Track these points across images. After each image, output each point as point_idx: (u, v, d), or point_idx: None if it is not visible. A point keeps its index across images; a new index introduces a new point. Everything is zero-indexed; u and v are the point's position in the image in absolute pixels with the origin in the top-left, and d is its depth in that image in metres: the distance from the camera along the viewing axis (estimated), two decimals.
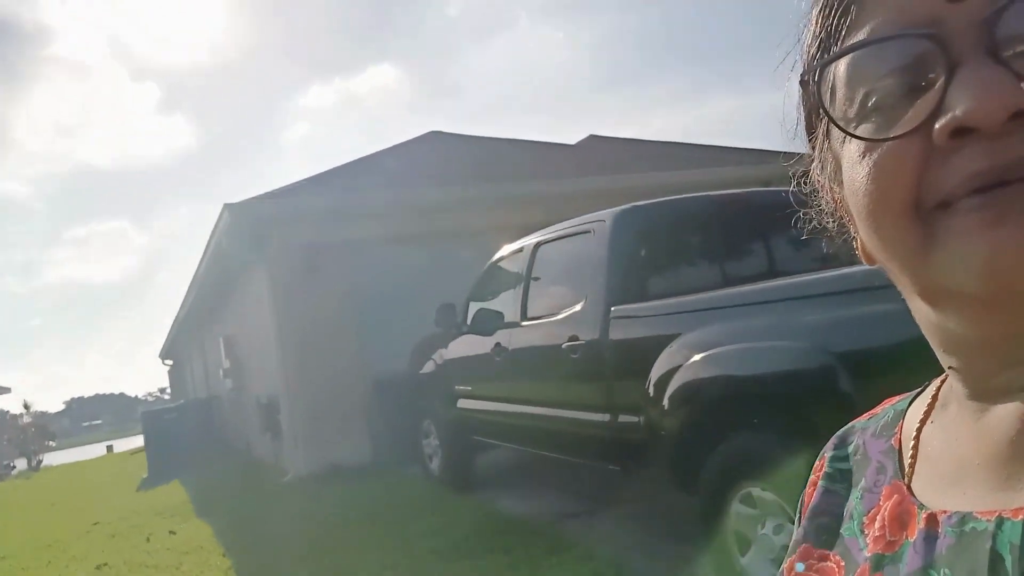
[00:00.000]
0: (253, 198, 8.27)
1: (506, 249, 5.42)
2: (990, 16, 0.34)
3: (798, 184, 0.51)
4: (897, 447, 0.48)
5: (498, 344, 4.97)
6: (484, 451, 6.09)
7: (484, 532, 4.70)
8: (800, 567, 0.48)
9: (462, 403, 5.72)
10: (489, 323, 5.22)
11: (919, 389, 0.50)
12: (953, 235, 0.35)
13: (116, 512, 9.17)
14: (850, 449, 0.52)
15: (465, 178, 9.75)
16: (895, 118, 0.37)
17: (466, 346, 5.59)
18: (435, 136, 12.65)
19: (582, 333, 3.95)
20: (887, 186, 0.38)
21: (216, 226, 8.35)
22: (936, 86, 0.35)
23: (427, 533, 4.92)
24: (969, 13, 0.35)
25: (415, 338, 7.57)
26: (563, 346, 4.08)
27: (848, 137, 0.40)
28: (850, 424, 0.54)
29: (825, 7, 0.42)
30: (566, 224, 4.55)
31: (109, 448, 31.24)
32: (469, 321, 5.69)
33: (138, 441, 35.96)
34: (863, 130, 0.39)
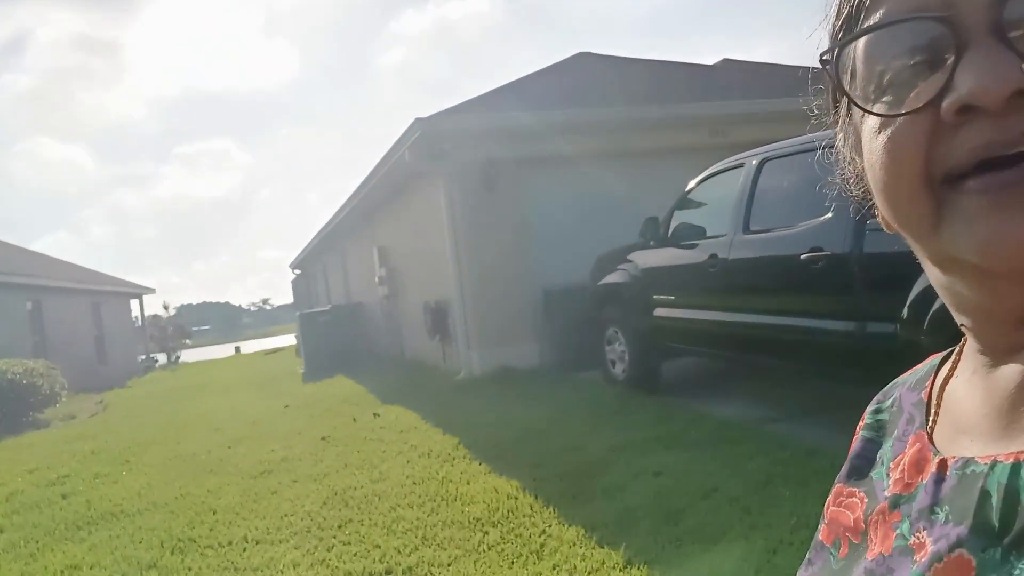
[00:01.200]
0: (438, 113, 8.70)
1: (718, 166, 5.62)
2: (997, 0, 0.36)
3: (824, 153, 0.53)
4: (926, 400, 0.51)
5: (713, 255, 5.25)
6: (670, 359, 6.50)
7: (698, 428, 5.10)
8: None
9: (660, 311, 6.07)
10: (702, 235, 5.52)
11: (956, 346, 0.52)
12: (959, 215, 0.38)
13: (298, 398, 10.15)
14: (889, 402, 0.56)
15: (624, 99, 9.87)
16: (908, 96, 0.39)
17: (670, 257, 5.90)
18: (584, 57, 12.71)
19: (828, 245, 4.18)
20: (899, 160, 0.40)
21: (401, 139, 8.84)
22: (945, 66, 0.38)
23: (639, 425, 5.37)
24: None
25: (584, 252, 7.97)
26: (802, 256, 4.33)
27: (865, 113, 0.42)
28: (895, 380, 0.58)
29: None
30: (799, 141, 4.72)
31: (237, 349, 33.59)
32: (671, 234, 6.00)
33: (262, 344, 38.37)
34: (878, 107, 0.41)
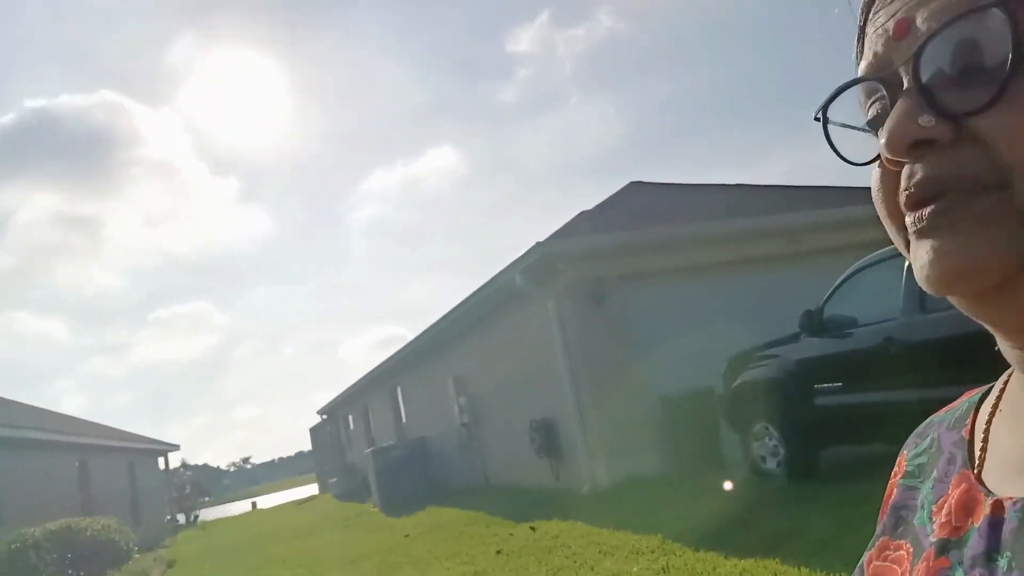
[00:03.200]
0: (553, 238, 9.33)
1: (866, 260, 6.16)
2: (916, 50, 0.39)
3: None
4: (968, 438, 0.49)
5: (888, 338, 5.69)
6: (831, 446, 6.77)
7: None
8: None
9: (824, 400, 6.42)
10: (864, 322, 5.98)
11: (994, 383, 0.50)
12: (911, 249, 0.42)
13: (406, 528, 10.02)
14: (926, 443, 0.53)
15: (685, 216, 10.67)
16: (872, 143, 0.43)
17: (831, 346, 6.33)
18: (636, 186, 13.67)
19: None
20: (879, 201, 0.44)
21: (515, 263, 9.41)
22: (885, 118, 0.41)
23: (829, 506, 5.58)
24: (908, 49, 0.40)
25: (689, 358, 8.43)
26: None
27: (845, 163, 0.45)
28: (929, 419, 0.56)
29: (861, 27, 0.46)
30: None
31: (253, 504, 32.59)
32: (825, 325, 6.46)
33: (272, 499, 37.17)
34: (855, 156, 0.45)
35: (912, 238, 0.41)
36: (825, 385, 6.44)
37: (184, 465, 31.55)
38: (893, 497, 0.53)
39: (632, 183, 13.82)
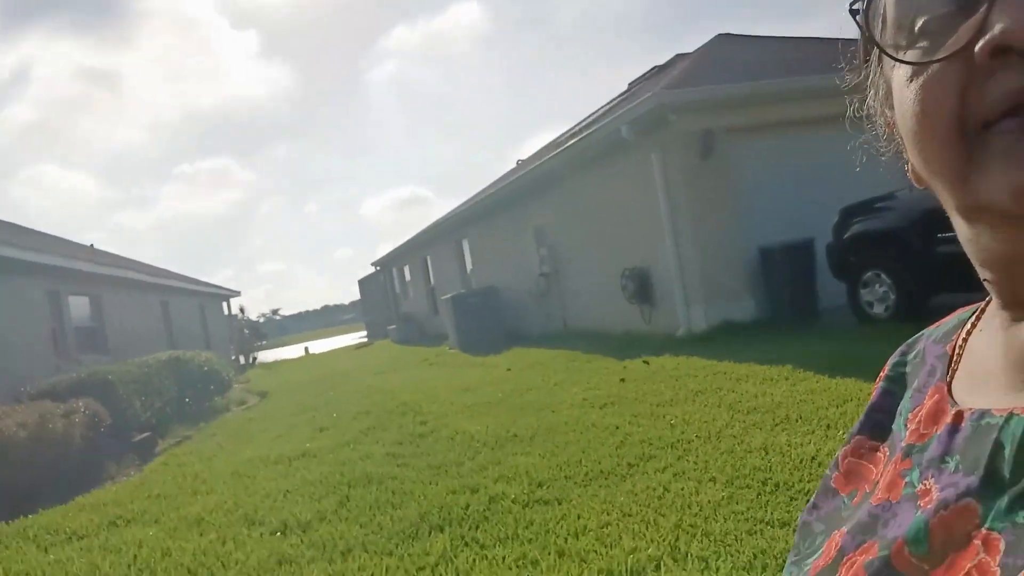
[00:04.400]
0: (664, 88, 9.35)
1: None
2: None
3: (855, 110, 0.53)
4: (950, 352, 0.51)
5: None
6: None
7: None
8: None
9: (945, 248, 6.70)
10: None
11: (982, 301, 0.51)
12: (989, 157, 0.37)
13: (504, 364, 10.72)
14: (912, 354, 0.56)
15: (780, 71, 10.54)
16: (941, 42, 0.39)
17: None
18: (725, 38, 13.36)
19: None
20: (932, 107, 0.39)
21: (622, 114, 9.50)
22: (980, 10, 0.37)
23: None
24: None
25: (792, 213, 8.67)
26: None
27: (897, 62, 0.42)
28: (921, 332, 0.57)
29: None
30: None
31: (306, 349, 34.22)
32: None
33: (317, 345, 38.90)
34: (910, 55, 0.41)
35: (1001, 148, 0.37)
36: (949, 234, 6.68)
37: (241, 310, 32.82)
38: (872, 399, 0.56)
39: (720, 35, 13.50)
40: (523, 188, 13.50)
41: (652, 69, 14.89)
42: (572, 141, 11.22)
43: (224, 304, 26.28)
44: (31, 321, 11.15)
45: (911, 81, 0.41)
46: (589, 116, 16.89)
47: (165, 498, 5.66)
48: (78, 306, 13.18)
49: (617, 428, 5.38)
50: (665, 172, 9.43)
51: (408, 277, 24.89)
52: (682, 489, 3.80)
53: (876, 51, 0.46)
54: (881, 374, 0.57)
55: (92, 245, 15.23)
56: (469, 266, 18.28)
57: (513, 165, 21.17)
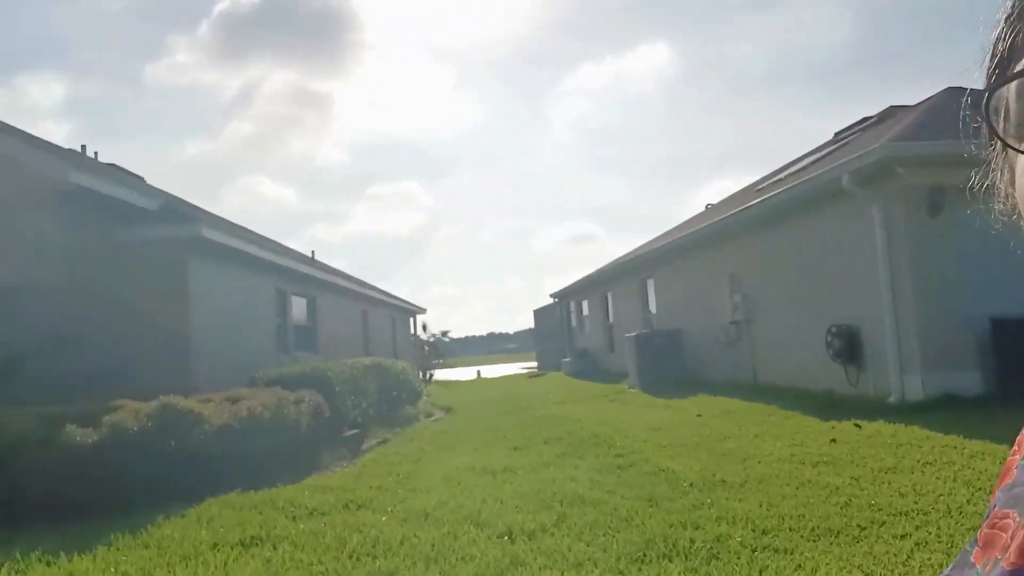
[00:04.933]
0: (895, 142, 8.99)
1: None
2: None
3: (981, 183, 0.56)
4: None
5: None
6: None
7: None
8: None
9: None
10: None
11: None
12: None
13: (693, 410, 10.60)
14: None
15: None
16: None
17: None
18: (954, 91, 12.56)
19: None
20: None
21: (844, 164, 9.22)
22: None
23: None
24: None
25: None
26: None
27: (1017, 152, 0.45)
28: None
29: (1010, 22, 0.45)
30: None
31: (478, 373, 35.45)
32: None
33: (487, 371, 40.09)
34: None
35: None
36: None
37: (423, 327, 34.63)
38: (1010, 477, 0.54)
39: (949, 88, 12.71)
40: (720, 232, 13.35)
41: (861, 121, 14.29)
42: (782, 188, 10.98)
43: (411, 320, 27.87)
44: (263, 315, 12.49)
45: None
46: (790, 164, 16.42)
47: (386, 490, 6.14)
48: (298, 306, 14.57)
49: (837, 488, 5.18)
50: (887, 227, 8.99)
51: (586, 312, 25.16)
52: (929, 559, 3.63)
53: (1002, 144, 0.49)
54: (1016, 448, 0.56)
55: (313, 252, 16.80)
56: (653, 306, 18.21)
57: (701, 209, 20.95)
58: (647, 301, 18.66)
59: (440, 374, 40.56)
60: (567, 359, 24.53)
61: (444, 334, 36.91)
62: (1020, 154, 0.45)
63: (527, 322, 34.57)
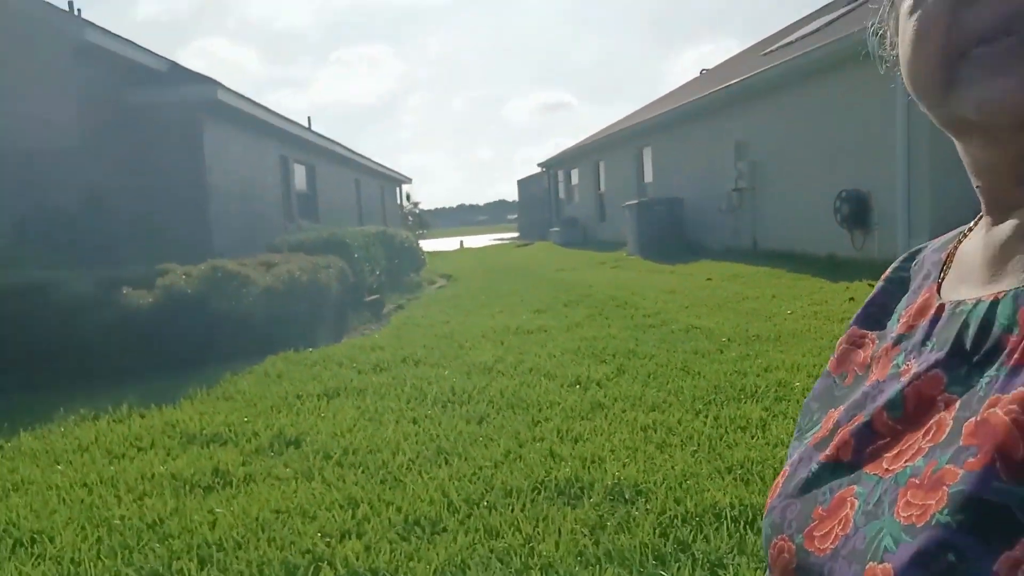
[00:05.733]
0: None
1: None
2: None
3: (875, 31, 0.58)
4: (944, 258, 0.56)
5: None
6: None
7: None
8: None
9: None
10: None
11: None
12: (963, 76, 0.43)
13: (703, 274, 10.95)
14: (914, 263, 0.61)
15: None
16: None
17: None
18: None
19: None
20: (923, 34, 0.45)
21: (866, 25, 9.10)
22: None
23: None
24: None
25: None
26: None
27: None
28: (925, 243, 0.63)
29: None
30: None
31: (461, 243, 35.60)
32: None
33: (476, 240, 40.20)
34: None
35: (973, 69, 0.42)
36: None
37: (407, 197, 34.42)
38: (872, 295, 0.61)
39: None
40: (725, 98, 13.25)
41: None
42: (800, 52, 10.85)
43: (397, 189, 27.66)
44: (270, 183, 12.36)
45: (912, 15, 0.46)
46: (795, 26, 16.10)
47: (433, 349, 6.40)
48: (298, 175, 14.40)
49: None
50: (908, 95, 9.04)
51: (575, 181, 25.14)
52: None
53: None
54: (883, 275, 0.63)
55: (309, 120, 16.39)
56: (649, 175, 18.27)
57: (681, 75, 20.58)
58: (642, 170, 18.69)
59: (424, 244, 40.72)
60: (556, 229, 24.73)
61: (415, 204, 36.91)
62: (904, 1, 0.47)
63: (497, 194, 34.69)
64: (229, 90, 9.50)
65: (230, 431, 4.16)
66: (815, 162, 11.12)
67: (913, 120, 9.07)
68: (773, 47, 14.70)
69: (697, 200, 15.06)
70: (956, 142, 0.49)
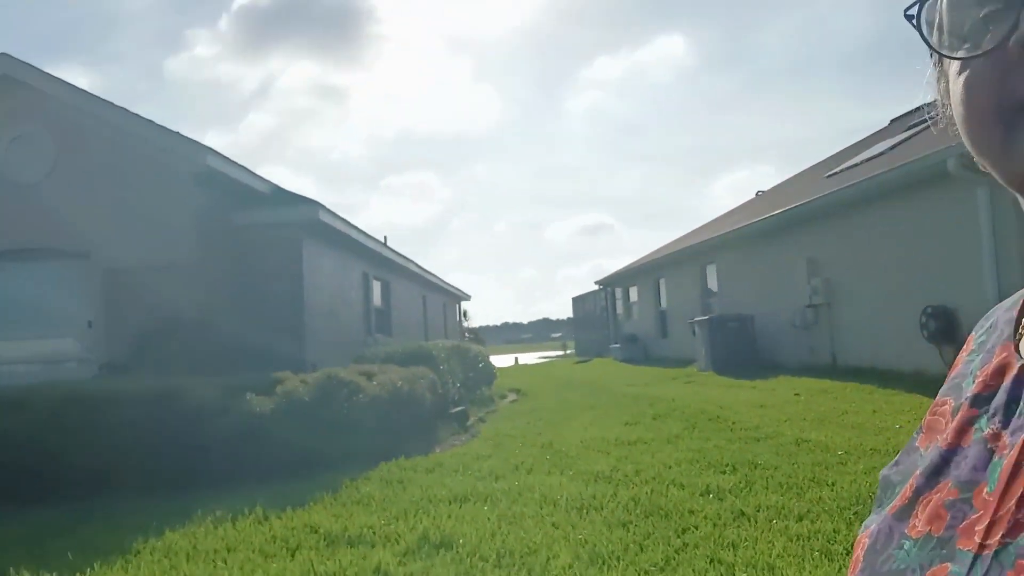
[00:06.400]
0: None
1: None
2: None
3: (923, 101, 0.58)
4: (1016, 315, 0.54)
5: None
6: None
7: None
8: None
9: None
10: None
11: None
12: (1021, 133, 0.43)
13: (787, 390, 10.80)
14: (988, 323, 0.59)
15: None
16: (983, 40, 0.44)
17: None
18: None
19: None
20: (974, 94, 0.45)
21: (945, 150, 9.37)
22: (1014, 12, 0.43)
23: None
24: None
25: None
26: None
27: (949, 59, 0.48)
28: (997, 305, 0.61)
29: None
30: None
31: (516, 360, 35.71)
32: None
33: (524, 357, 40.25)
34: (960, 52, 0.46)
35: None
36: None
37: (464, 313, 35.01)
38: (955, 369, 0.59)
39: None
40: (795, 217, 13.50)
41: (921, 107, 14.37)
42: (874, 173, 11.12)
43: (457, 306, 28.23)
44: (354, 298, 12.81)
45: (960, 75, 0.47)
46: (852, 149, 16.54)
47: (541, 459, 6.39)
48: (375, 289, 14.90)
49: None
50: (992, 210, 9.15)
51: (634, 298, 25.35)
52: None
53: (937, 54, 0.52)
54: (965, 347, 0.60)
55: (385, 238, 17.09)
56: (713, 291, 18.40)
57: (723, 199, 21.09)
58: (706, 286, 18.83)
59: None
60: (616, 345, 24.75)
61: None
62: (953, 61, 0.48)
63: (540, 312, 34.74)
64: (329, 211, 10.09)
65: (373, 533, 4.20)
66: (895, 278, 11.13)
67: (999, 235, 9.13)
68: (836, 169, 15.07)
69: (766, 316, 15.05)
70: (1017, 196, 0.50)
